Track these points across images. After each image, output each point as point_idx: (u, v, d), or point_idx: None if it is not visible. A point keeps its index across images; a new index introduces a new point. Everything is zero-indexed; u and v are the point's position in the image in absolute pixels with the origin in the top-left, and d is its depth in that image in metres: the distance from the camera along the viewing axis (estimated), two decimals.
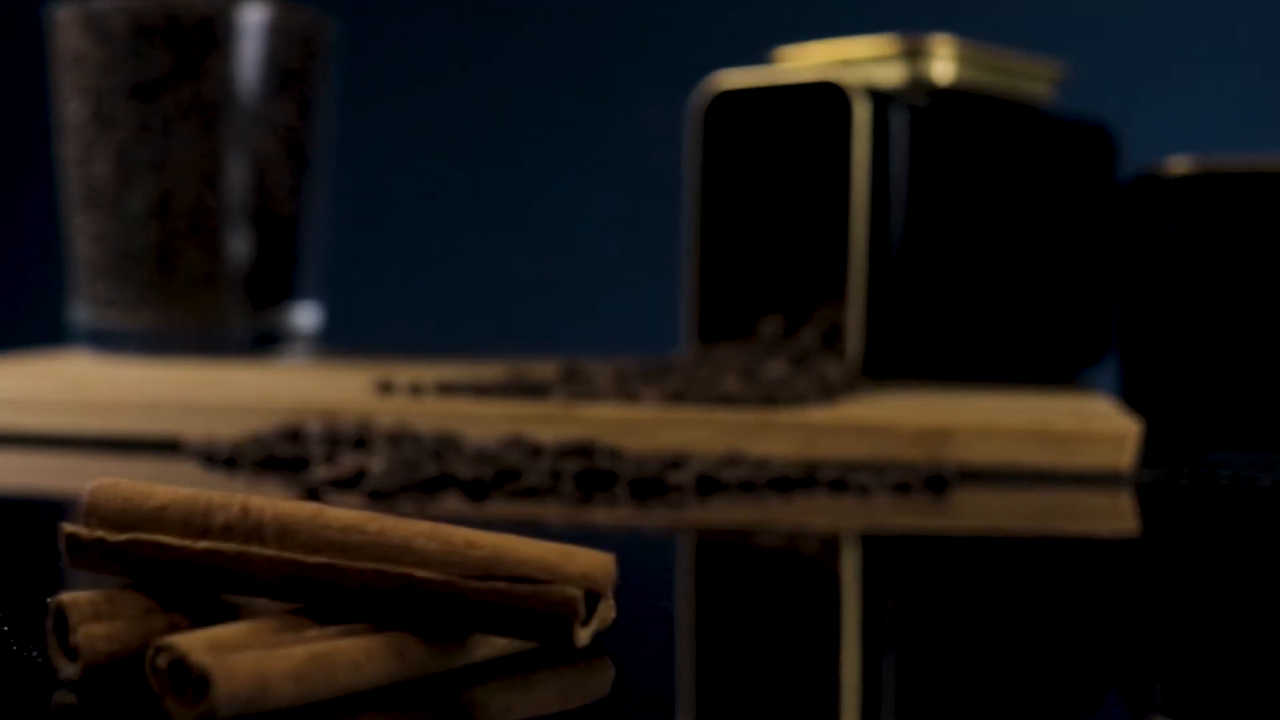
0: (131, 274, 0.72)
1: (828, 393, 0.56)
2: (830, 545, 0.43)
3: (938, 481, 0.48)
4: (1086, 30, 0.97)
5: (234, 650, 0.22)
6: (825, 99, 0.64)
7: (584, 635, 0.24)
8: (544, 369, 0.61)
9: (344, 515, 0.24)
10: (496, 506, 0.44)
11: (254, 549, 0.24)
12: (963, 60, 0.67)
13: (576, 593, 0.24)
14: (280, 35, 0.72)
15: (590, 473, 0.47)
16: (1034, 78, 0.70)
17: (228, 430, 0.54)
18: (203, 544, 0.24)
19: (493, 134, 1.10)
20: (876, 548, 0.42)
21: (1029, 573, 0.40)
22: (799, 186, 0.69)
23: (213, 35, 0.71)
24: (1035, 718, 0.26)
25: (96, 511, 0.25)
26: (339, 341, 0.81)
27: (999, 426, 0.51)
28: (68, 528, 0.25)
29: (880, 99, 0.64)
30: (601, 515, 0.44)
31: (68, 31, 0.72)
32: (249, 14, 0.72)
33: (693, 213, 0.68)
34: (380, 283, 1.06)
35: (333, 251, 0.80)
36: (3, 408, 0.57)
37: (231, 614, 0.25)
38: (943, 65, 0.67)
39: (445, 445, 0.49)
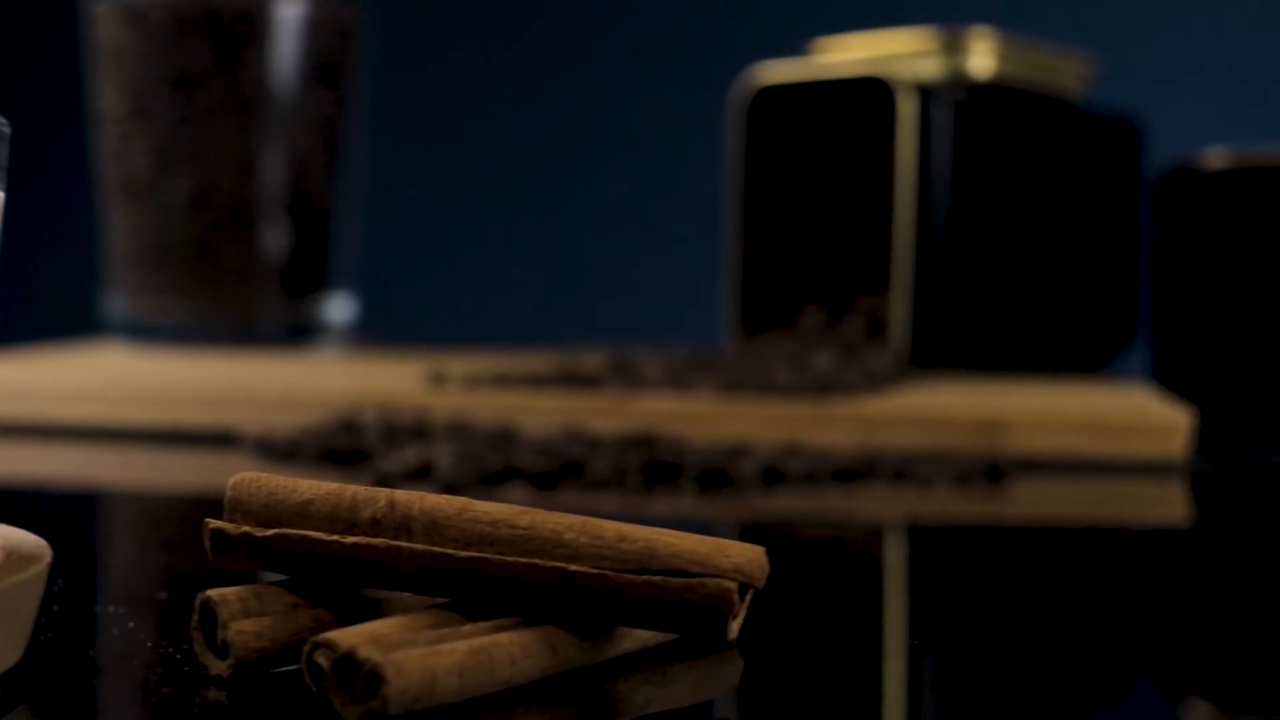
0: (168, 265, 0.71)
1: (877, 383, 0.56)
2: (902, 536, 0.43)
3: (995, 472, 0.48)
4: (1112, 23, 0.96)
5: (398, 646, 0.22)
6: (869, 93, 0.64)
7: (734, 628, 0.24)
8: (591, 360, 0.61)
9: (492, 509, 0.24)
10: (563, 498, 0.43)
11: (403, 543, 0.24)
12: (1000, 55, 0.66)
13: (732, 586, 0.23)
14: (317, 29, 0.72)
15: (655, 464, 0.46)
16: (1067, 72, 0.70)
17: (280, 422, 0.54)
18: (351, 538, 0.24)
19: (530, 126, 1.09)
20: (946, 538, 0.42)
21: (1088, 561, 0.39)
22: (840, 179, 0.69)
23: (251, 29, 0.70)
24: (1090, 699, 0.25)
25: (240, 506, 0.24)
26: (376, 333, 0.80)
27: (1053, 417, 0.51)
28: (212, 523, 0.24)
29: (923, 94, 0.63)
30: (669, 506, 0.43)
31: (106, 24, 0.71)
32: (286, 8, 0.71)
33: (734, 205, 0.68)
34: (416, 275, 1.05)
35: (369, 244, 0.79)
36: (53, 400, 0.56)
37: (374, 609, 0.25)
38: (981, 60, 0.66)
39: (505, 437, 0.49)
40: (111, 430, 0.55)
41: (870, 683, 0.26)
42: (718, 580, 0.23)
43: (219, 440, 0.53)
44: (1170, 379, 0.65)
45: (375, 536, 0.24)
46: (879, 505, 0.45)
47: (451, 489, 0.44)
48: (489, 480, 0.45)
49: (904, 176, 0.62)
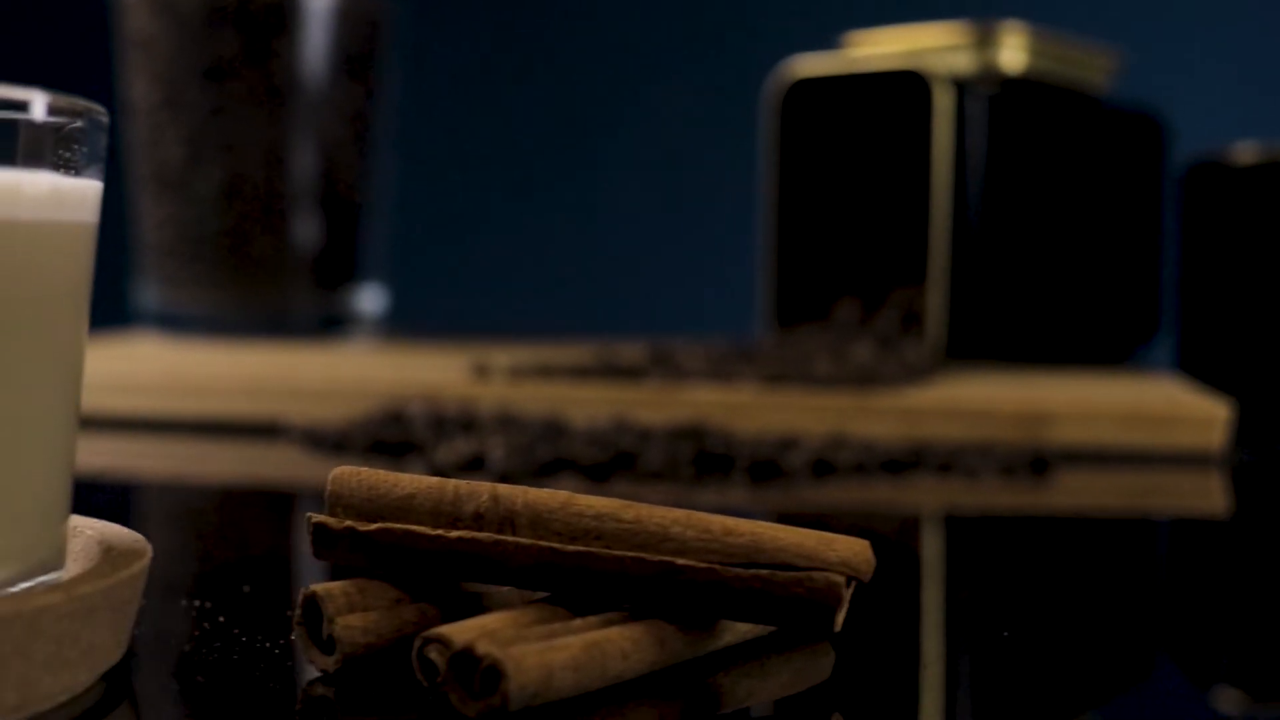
0: (200, 256, 0.71)
1: (916, 374, 0.56)
2: (967, 526, 0.43)
3: (1040, 463, 0.47)
4: (1137, 16, 0.96)
5: (513, 642, 0.21)
6: (904, 87, 0.63)
7: (838, 621, 0.24)
8: (630, 352, 0.60)
9: (596, 503, 0.23)
10: (615, 489, 0.43)
11: (509, 537, 0.23)
12: (1031, 49, 0.66)
13: (840, 580, 0.23)
14: (347, 20, 0.71)
15: (705, 455, 0.46)
16: (1094, 67, 0.70)
17: (322, 413, 0.53)
18: (456, 533, 0.23)
19: (560, 117, 1.08)
20: (1009, 528, 0.42)
21: (1134, 551, 0.39)
22: (874, 172, 0.68)
23: (282, 19, 0.69)
24: (1129, 686, 0.25)
25: (341, 500, 0.24)
26: (406, 324, 0.79)
27: (1094, 409, 0.51)
28: (315, 518, 0.24)
29: (957, 87, 0.63)
30: (719, 497, 0.43)
31: (137, 14, 0.70)
32: None
33: (769, 197, 0.67)
34: (445, 267, 1.04)
35: (398, 235, 0.78)
36: (100, 391, 0.56)
37: (475, 603, 0.24)
38: (1012, 54, 0.66)
39: (554, 429, 0.48)
40: (150, 420, 0.55)
41: (956, 674, 0.26)
42: (825, 574, 0.23)
43: (261, 431, 0.53)
44: (1198, 370, 0.64)
45: (479, 531, 0.23)
46: (931, 496, 0.44)
47: (505, 480, 0.43)
48: (541, 471, 0.44)
49: (940, 170, 0.62)
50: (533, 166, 1.08)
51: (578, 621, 0.22)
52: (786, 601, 0.23)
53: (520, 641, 0.21)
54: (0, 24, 1.07)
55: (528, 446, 0.45)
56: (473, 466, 0.44)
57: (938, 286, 0.62)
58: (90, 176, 0.22)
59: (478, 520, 0.23)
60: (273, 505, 0.44)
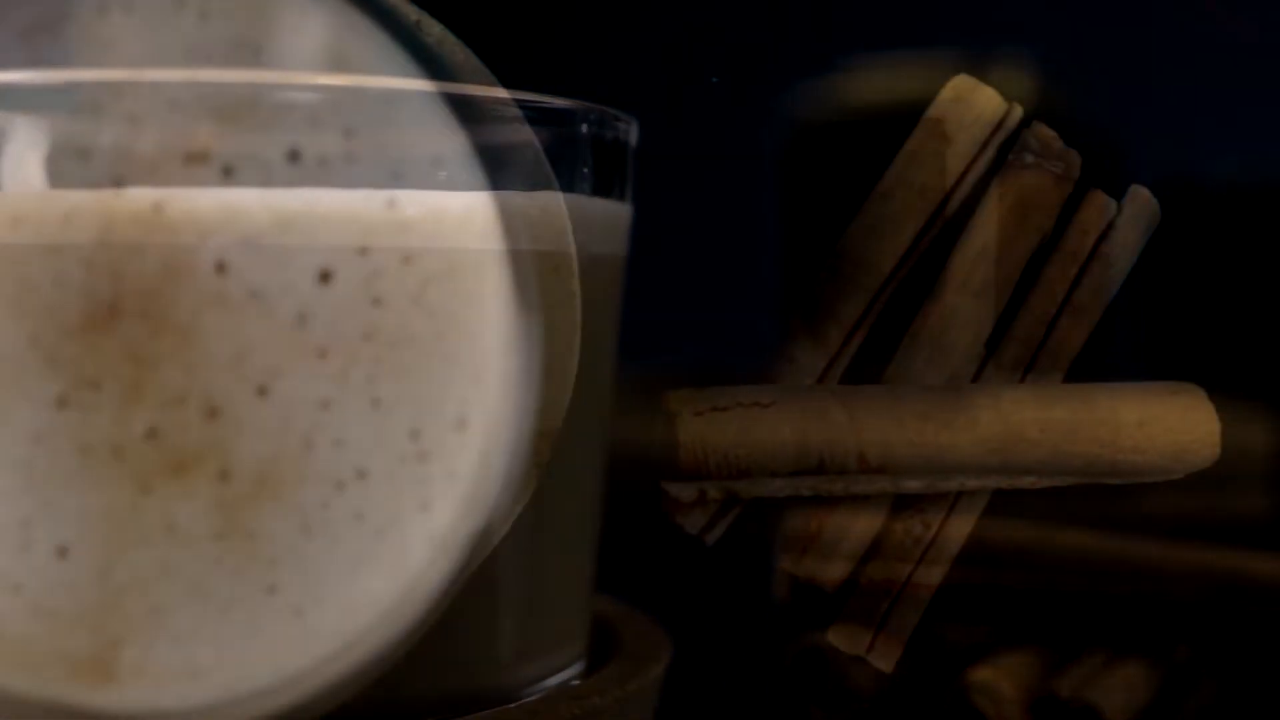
0: None
1: (963, 389, 0.56)
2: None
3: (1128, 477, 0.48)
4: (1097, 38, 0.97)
5: (1081, 685, 0.20)
6: (911, 128, 0.64)
7: None
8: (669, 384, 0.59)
9: (1072, 538, 0.23)
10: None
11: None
12: (1018, 88, 0.67)
13: None
14: None
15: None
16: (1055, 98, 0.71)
17: None
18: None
19: None
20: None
21: None
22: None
23: None
24: None
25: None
26: None
27: (1156, 419, 0.52)
28: (787, 567, 0.22)
29: (965, 128, 0.64)
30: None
31: None
32: None
33: (781, 229, 0.67)
34: None
35: None
36: None
37: (940, 644, 0.23)
38: (1002, 96, 0.67)
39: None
40: None
41: None
42: None
43: None
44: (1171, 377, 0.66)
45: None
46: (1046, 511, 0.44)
47: None
48: None
49: (956, 201, 0.62)
50: None
51: (1088, 660, 0.22)
52: None
53: (1081, 683, 0.20)
54: None
55: None
56: None
57: (975, 304, 0.62)
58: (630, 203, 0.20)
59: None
60: None
